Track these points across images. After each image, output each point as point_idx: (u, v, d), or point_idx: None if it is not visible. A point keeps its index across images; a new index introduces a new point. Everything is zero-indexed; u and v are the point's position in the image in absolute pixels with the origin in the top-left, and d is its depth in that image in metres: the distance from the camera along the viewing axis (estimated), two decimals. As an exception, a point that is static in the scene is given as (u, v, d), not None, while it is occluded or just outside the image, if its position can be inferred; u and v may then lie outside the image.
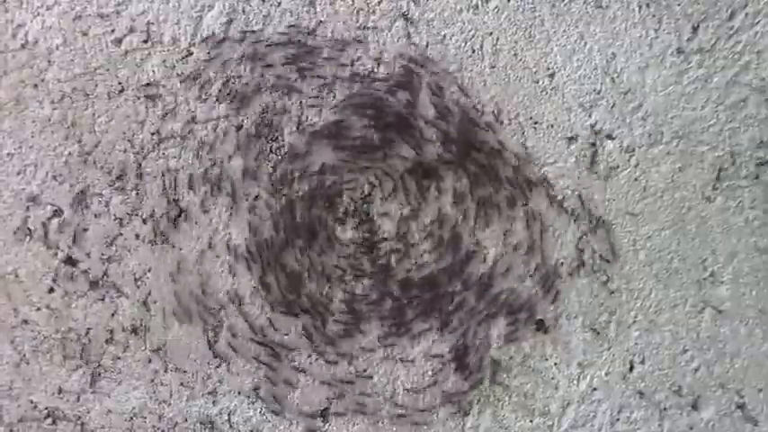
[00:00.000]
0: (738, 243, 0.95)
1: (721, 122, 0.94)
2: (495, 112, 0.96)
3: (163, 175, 0.99)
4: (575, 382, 0.98)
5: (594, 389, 0.99)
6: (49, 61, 0.99)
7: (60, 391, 1.04)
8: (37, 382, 1.05)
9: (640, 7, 0.94)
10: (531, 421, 0.99)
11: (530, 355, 0.98)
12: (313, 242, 0.99)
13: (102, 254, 1.01)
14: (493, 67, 0.96)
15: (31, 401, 1.05)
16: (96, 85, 0.99)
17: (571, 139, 0.96)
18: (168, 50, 0.98)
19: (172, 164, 0.99)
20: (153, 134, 0.99)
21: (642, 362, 0.98)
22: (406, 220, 0.97)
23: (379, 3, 0.96)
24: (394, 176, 0.97)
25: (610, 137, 0.96)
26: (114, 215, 1.01)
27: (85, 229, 1.02)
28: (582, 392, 0.99)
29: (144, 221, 1.01)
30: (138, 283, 1.01)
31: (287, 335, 1.00)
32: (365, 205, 0.98)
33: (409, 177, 0.97)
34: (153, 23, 0.98)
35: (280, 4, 0.97)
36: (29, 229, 1.02)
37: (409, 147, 0.97)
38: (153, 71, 0.98)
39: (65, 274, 1.02)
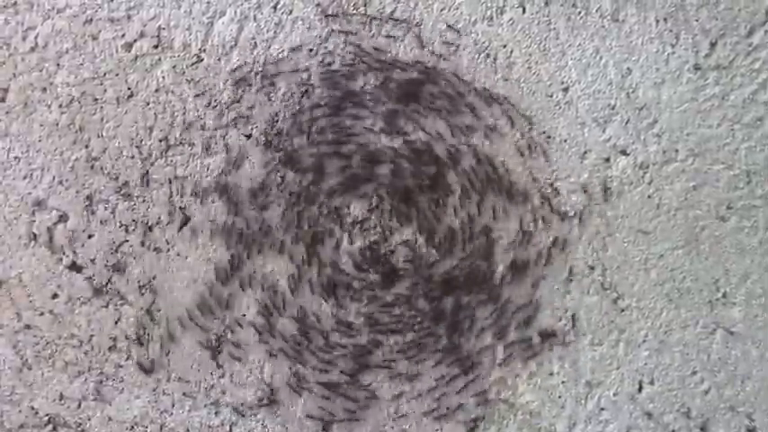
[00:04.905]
0: (752, 264, 0.94)
1: (737, 141, 0.93)
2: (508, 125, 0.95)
3: (170, 183, 0.99)
4: (582, 401, 0.97)
5: (602, 408, 0.97)
6: (59, 65, 0.99)
7: (62, 397, 1.04)
8: (38, 387, 1.04)
9: (658, 22, 0.92)
10: (536, 440, 0.98)
11: (536, 373, 0.97)
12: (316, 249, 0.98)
13: (107, 261, 1.01)
14: (506, 80, 0.95)
15: (32, 407, 1.04)
16: (105, 90, 0.99)
17: (584, 155, 0.94)
18: (178, 56, 0.97)
19: (179, 171, 0.98)
20: (161, 141, 0.98)
21: (651, 382, 0.96)
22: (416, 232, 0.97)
23: (392, 12, 0.95)
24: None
25: (624, 153, 0.94)
26: (120, 222, 1.00)
27: (91, 236, 1.01)
28: (589, 412, 0.97)
29: (150, 229, 1.00)
30: (143, 290, 1.00)
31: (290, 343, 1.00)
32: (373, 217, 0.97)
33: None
34: (164, 28, 0.97)
35: (291, 11, 0.96)
36: (34, 233, 1.01)
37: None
38: (163, 77, 0.98)
39: (69, 279, 1.01)
